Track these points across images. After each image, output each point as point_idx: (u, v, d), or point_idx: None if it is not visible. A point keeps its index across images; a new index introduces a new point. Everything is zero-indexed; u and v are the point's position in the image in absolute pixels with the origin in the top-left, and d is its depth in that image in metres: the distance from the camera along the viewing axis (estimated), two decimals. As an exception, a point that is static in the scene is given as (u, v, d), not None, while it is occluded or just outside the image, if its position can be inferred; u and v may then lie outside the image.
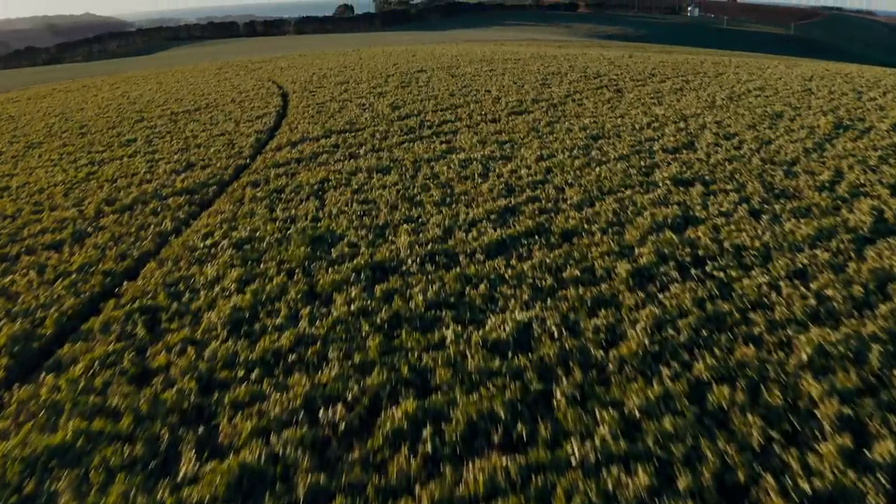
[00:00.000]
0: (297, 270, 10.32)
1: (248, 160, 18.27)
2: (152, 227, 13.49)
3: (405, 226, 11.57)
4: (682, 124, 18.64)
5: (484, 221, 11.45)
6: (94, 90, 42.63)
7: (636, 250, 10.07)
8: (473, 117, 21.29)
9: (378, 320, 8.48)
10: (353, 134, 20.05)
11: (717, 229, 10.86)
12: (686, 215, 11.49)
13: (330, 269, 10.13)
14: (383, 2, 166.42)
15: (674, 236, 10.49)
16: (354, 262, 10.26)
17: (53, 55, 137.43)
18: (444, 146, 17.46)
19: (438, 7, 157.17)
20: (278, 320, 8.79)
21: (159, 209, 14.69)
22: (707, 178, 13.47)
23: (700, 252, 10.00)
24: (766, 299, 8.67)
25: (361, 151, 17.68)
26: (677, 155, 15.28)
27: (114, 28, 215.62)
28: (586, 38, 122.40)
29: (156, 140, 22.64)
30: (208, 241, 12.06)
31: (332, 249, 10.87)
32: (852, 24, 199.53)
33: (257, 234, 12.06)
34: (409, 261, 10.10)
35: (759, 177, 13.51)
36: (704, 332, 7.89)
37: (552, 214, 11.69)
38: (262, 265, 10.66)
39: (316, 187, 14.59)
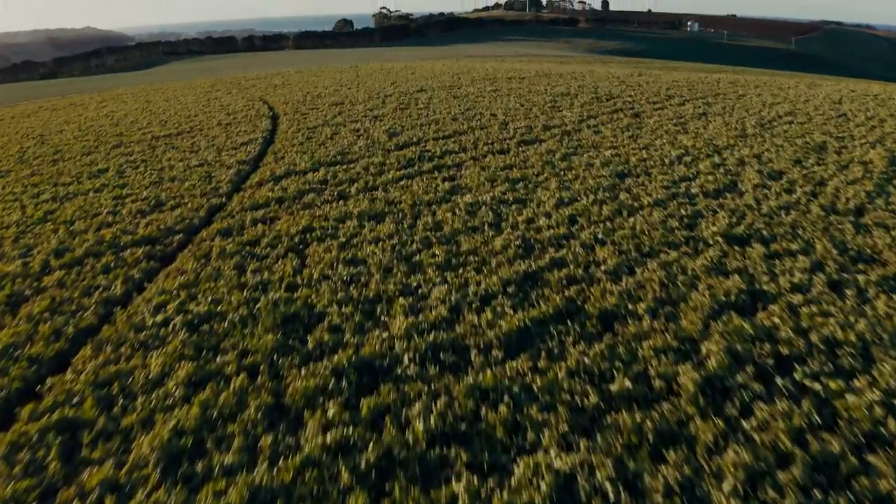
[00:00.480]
0: (262, 367, 7.97)
1: (224, 199, 15.93)
2: (100, 290, 11.14)
3: (402, 300, 9.22)
4: (716, 158, 16.35)
5: (500, 296, 9.10)
6: (80, 108, 40.43)
7: (701, 347, 7.72)
8: (479, 147, 19.00)
9: (363, 463, 6.12)
10: (344, 167, 17.75)
11: (795, 311, 8.52)
12: (752, 289, 9.16)
13: (304, 369, 7.77)
14: (382, 17, 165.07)
15: (744, 324, 8.14)
16: (336, 357, 7.89)
17: (51, 69, 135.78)
18: (447, 184, 15.14)
19: (438, 22, 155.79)
20: (229, 457, 6.41)
21: (112, 264, 12.33)
22: (765, 233, 11.14)
23: (783, 349, 7.65)
24: (882, 428, 6.36)
25: (352, 190, 15.36)
26: (721, 200, 12.97)
27: (114, 42, 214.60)
28: (587, 54, 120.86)
29: (128, 170, 20.33)
30: (159, 317, 9.70)
31: (309, 336, 8.50)
32: (852, 39, 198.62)
33: (219, 307, 9.70)
34: (406, 358, 7.74)
35: (826, 232, 11.20)
36: (818, 494, 5.54)
37: (584, 286, 9.35)
38: (219, 358, 8.30)
39: (297, 239, 12.25)
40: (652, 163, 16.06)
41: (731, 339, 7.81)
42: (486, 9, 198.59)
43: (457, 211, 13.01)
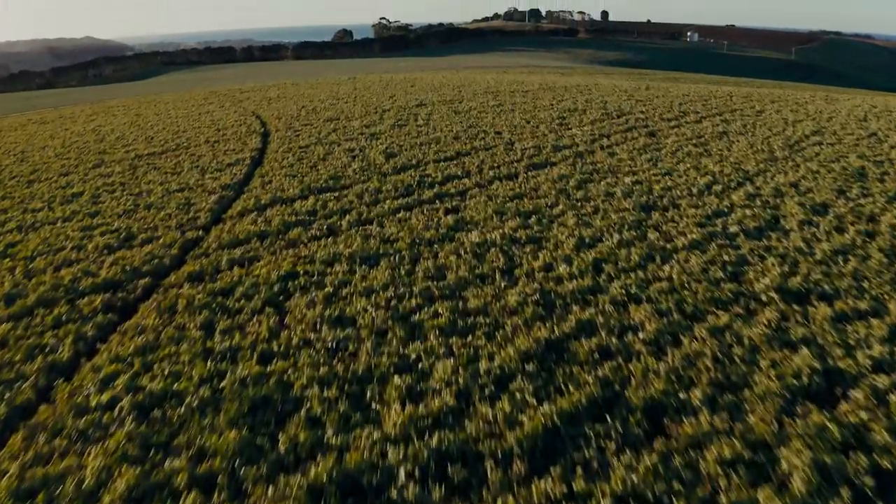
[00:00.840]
0: (220, 479, 6.23)
1: (201, 232, 14.21)
2: (45, 353, 9.41)
3: (397, 379, 7.49)
4: (749, 187, 14.67)
5: (518, 377, 7.36)
6: (69, 122, 38.80)
7: (779, 458, 5.98)
8: (484, 171, 17.31)
9: None
10: (336, 194, 16.04)
11: (883, 400, 6.81)
12: (825, 366, 7.44)
13: (272, 486, 6.03)
14: (382, 27, 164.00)
15: (826, 422, 6.41)
16: (313, 470, 6.15)
17: (48, 79, 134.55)
18: (450, 218, 13.42)
19: (437, 33, 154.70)
20: None
21: (65, 317, 10.59)
22: (825, 286, 9.42)
23: (882, 461, 5.93)
24: None
25: (344, 224, 13.65)
26: (766, 241, 11.25)
27: (113, 51, 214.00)
28: (588, 65, 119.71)
29: (104, 195, 18.62)
30: (106, 395, 7.95)
31: (282, 433, 6.75)
32: (851, 48, 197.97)
33: (177, 384, 7.96)
34: (402, 472, 5.99)
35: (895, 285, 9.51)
36: None
37: (621, 362, 7.62)
38: (168, 463, 6.56)
39: (276, 288, 10.52)
40: (678, 192, 14.37)
41: (816, 447, 6.07)
42: (486, 19, 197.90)
43: (462, 253, 11.29)
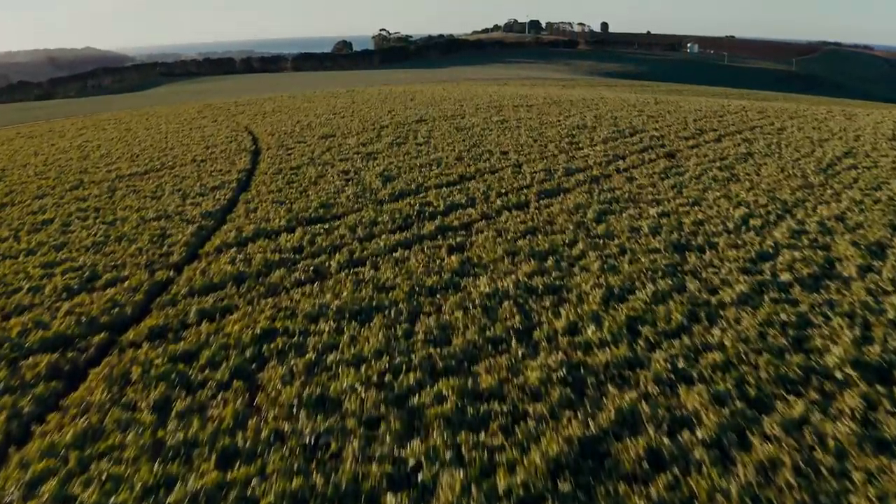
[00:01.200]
0: None
1: (172, 272, 12.51)
2: (-37, 437, 7.71)
3: (390, 500, 5.78)
4: (791, 221, 13.00)
5: (549, 501, 5.64)
6: (57, 137, 37.20)
7: None
8: (491, 199, 15.65)
9: None
10: (326, 226, 14.36)
11: None
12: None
13: None
14: (382, 39, 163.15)
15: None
16: None
17: (47, 90, 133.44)
18: (454, 258, 11.72)
19: (437, 44, 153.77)
20: None
21: (2, 386, 8.91)
22: (912, 360, 7.72)
23: None
24: None
25: (333, 264, 11.95)
26: (826, 294, 9.55)
27: (114, 62, 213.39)
28: (588, 76, 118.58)
29: (75, 224, 16.93)
30: (22, 509, 6.27)
31: (235, 589, 5.04)
32: (851, 60, 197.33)
33: (114, 499, 6.25)
34: None
35: None
36: None
37: (679, 476, 5.89)
38: None
39: (249, 353, 8.80)
40: (712, 227, 12.69)
41: None
42: (486, 31, 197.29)
43: (470, 307, 9.58)
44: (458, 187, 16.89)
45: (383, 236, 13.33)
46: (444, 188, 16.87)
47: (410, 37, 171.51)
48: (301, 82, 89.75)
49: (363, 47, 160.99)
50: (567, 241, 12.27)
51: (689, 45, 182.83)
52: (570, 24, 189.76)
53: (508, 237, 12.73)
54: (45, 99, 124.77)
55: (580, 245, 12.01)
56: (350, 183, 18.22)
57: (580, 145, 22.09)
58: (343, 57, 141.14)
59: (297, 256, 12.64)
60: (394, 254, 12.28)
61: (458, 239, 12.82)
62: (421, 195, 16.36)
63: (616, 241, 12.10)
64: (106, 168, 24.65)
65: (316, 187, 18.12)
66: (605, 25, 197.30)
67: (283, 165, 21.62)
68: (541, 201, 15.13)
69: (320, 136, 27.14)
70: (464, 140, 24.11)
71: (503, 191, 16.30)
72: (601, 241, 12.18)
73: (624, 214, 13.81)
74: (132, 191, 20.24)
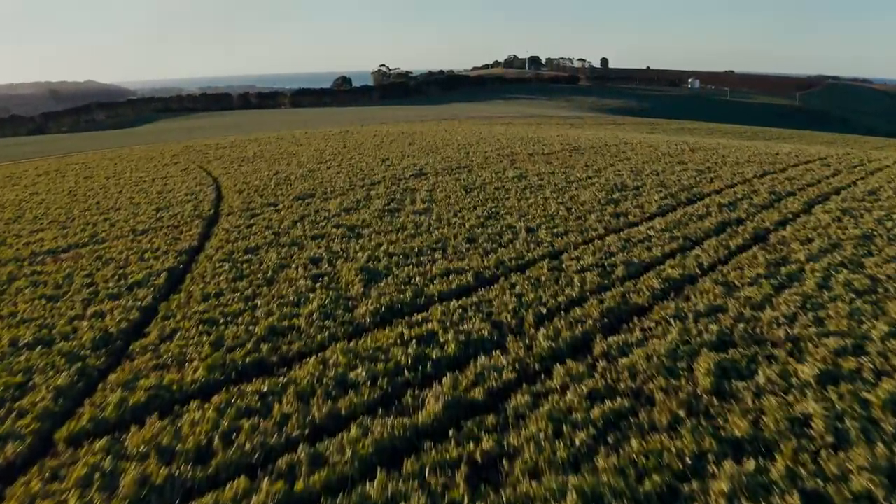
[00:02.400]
0: None
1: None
2: None
3: None
4: None
5: None
6: (9, 184, 31.82)
7: None
8: (527, 326, 9.95)
9: None
10: (264, 385, 8.69)
11: None
12: None
13: None
14: (381, 75, 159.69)
15: None
16: None
17: (39, 124, 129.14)
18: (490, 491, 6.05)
19: (437, 80, 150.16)
20: None
21: None
22: None
23: None
24: None
25: (264, 488, 6.29)
26: None
27: (115, 96, 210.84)
28: (592, 113, 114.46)
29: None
30: None
31: None
32: (852, 93, 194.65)
33: None
34: None
35: None
36: None
37: None
38: None
39: None
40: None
41: None
42: (486, 67, 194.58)
43: None
44: (475, 299, 11.19)
45: (354, 430, 7.55)
46: (454, 301, 11.17)
47: (410, 73, 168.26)
48: (296, 120, 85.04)
49: (363, 83, 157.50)
50: (683, 451, 6.54)
51: (689, 80, 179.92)
52: (569, 59, 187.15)
53: (574, 438, 6.99)
54: (37, 133, 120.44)
55: (711, 465, 6.27)
56: (319, 285, 12.53)
57: (630, 218, 16.51)
58: (342, 93, 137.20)
59: (197, 472, 6.90)
60: (371, 481, 6.53)
61: (487, 442, 7.06)
62: (418, 316, 10.66)
63: (782, 453, 6.36)
64: (27, 238, 19.17)
65: (270, 291, 12.43)
66: (604, 61, 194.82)
67: (237, 245, 15.99)
68: (608, 338, 9.43)
69: (296, 197, 21.61)
70: (474, 207, 18.56)
71: (544, 309, 10.60)
72: (736, 447, 6.44)
73: (762, 378, 8.09)
74: (31, 283, 14.58)
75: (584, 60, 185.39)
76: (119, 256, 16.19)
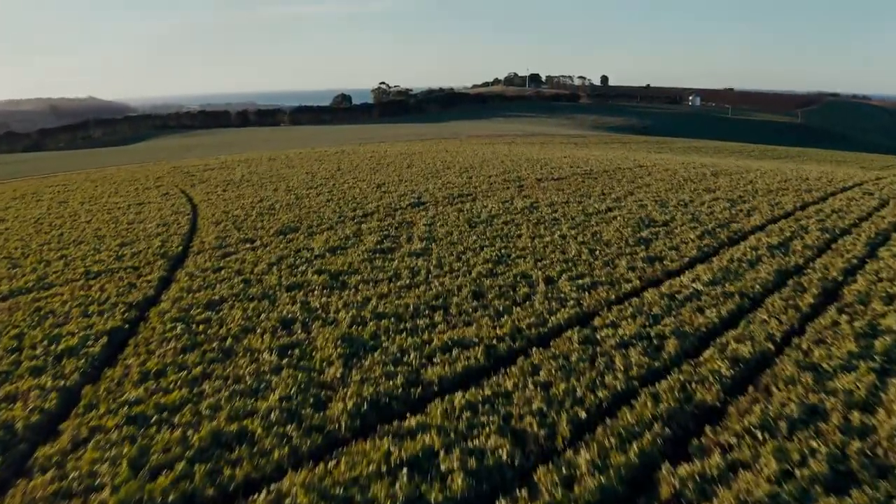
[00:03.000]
0: None
1: None
2: None
3: None
4: None
5: None
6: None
7: None
8: (565, 452, 7.28)
9: None
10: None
11: None
12: None
13: None
14: (381, 92, 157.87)
15: None
16: None
17: (35, 141, 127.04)
18: None
19: (438, 98, 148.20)
20: None
21: None
22: None
23: None
24: None
25: None
26: None
27: (116, 112, 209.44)
28: (595, 131, 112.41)
29: None
30: None
31: None
32: (852, 110, 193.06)
33: None
34: None
35: None
36: None
37: None
38: None
39: None
40: None
41: None
42: (486, 84, 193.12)
43: None
44: (487, 392, 8.42)
45: None
46: (459, 393, 8.41)
47: (410, 90, 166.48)
48: (293, 138, 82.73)
49: (363, 100, 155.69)
50: None
51: (690, 98, 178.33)
52: (570, 77, 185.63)
53: None
54: (33, 150, 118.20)
55: None
56: (287, 361, 9.77)
57: (667, 264, 13.78)
58: (342, 110, 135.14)
59: None
60: None
61: None
62: (412, 420, 7.90)
63: None
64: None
65: (224, 370, 9.67)
66: (604, 79, 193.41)
67: (198, 297, 13.25)
68: (677, 468, 6.65)
69: (278, 231, 18.92)
70: (481, 247, 15.85)
71: (582, 411, 7.84)
72: None
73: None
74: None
75: (584, 78, 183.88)
76: (61, 309, 13.47)
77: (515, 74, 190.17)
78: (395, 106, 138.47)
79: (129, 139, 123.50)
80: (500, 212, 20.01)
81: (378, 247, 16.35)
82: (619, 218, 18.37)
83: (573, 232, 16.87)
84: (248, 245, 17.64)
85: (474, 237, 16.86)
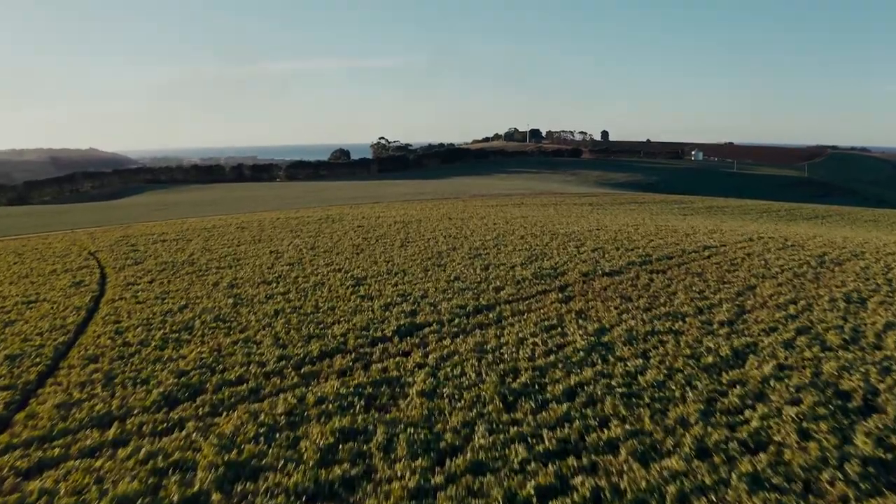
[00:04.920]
0: None
1: None
2: None
3: None
4: None
5: None
6: None
7: None
8: None
9: None
10: None
11: None
12: None
13: None
14: (381, 147, 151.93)
15: None
16: None
17: (20, 193, 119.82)
18: None
19: (438, 153, 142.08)
20: None
21: None
22: None
23: None
24: None
25: None
26: None
27: (116, 164, 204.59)
28: (602, 188, 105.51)
29: None
30: None
31: None
32: (855, 163, 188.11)
33: None
34: None
35: None
36: None
37: None
38: None
39: None
40: None
41: None
42: (486, 140, 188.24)
43: None
44: None
45: None
46: None
47: (410, 145, 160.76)
48: (282, 196, 75.14)
49: (362, 155, 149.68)
50: None
51: (693, 152, 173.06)
52: (570, 132, 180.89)
53: None
54: (17, 203, 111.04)
55: None
56: None
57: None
58: (340, 165, 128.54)
59: None
60: None
61: None
62: None
63: None
64: None
65: None
66: (605, 134, 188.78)
67: None
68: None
69: (158, 401, 10.45)
70: (531, 467, 7.44)
71: None
72: None
73: None
74: None
75: (584, 133, 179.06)
76: None
77: (516, 130, 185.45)
78: (394, 161, 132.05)
79: (117, 193, 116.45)
80: (550, 356, 11.55)
81: (331, 465, 7.83)
82: (776, 387, 9.86)
83: (716, 434, 8.37)
84: (93, 435, 9.13)
85: (513, 429, 8.38)
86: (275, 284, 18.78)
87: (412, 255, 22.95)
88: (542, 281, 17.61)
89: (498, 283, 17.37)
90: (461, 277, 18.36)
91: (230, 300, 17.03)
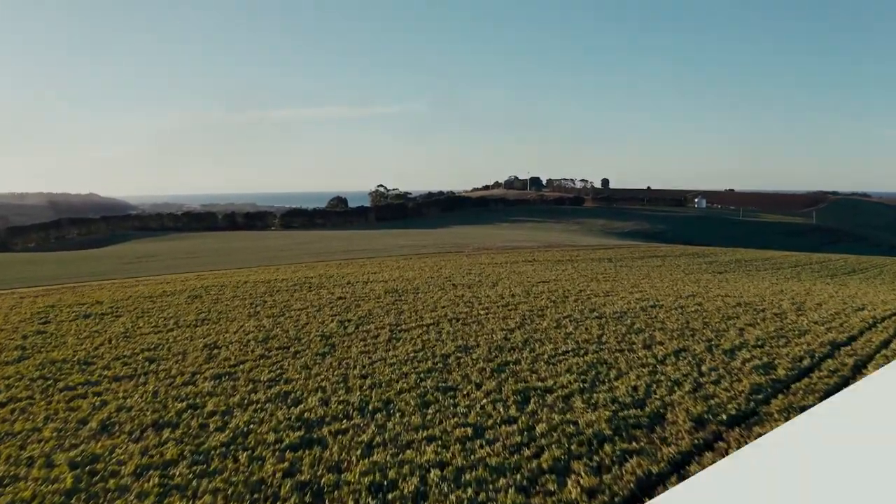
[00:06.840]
0: None
1: None
2: None
3: None
4: None
5: None
6: None
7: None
8: None
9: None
10: None
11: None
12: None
13: None
14: (379, 195, 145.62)
15: None
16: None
17: (3, 238, 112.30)
18: None
19: (437, 201, 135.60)
20: None
21: None
22: None
23: None
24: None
25: None
26: None
27: (116, 210, 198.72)
28: (609, 238, 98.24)
29: None
30: None
31: None
32: (858, 208, 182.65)
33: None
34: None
35: None
36: None
37: None
38: None
39: None
40: None
41: None
42: (486, 187, 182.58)
43: None
44: None
45: None
46: None
47: (409, 193, 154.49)
48: (267, 248, 67.43)
49: (361, 203, 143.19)
50: None
51: (696, 199, 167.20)
52: (571, 180, 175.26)
53: None
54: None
55: None
56: None
57: None
58: (335, 214, 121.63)
59: None
60: None
61: None
62: None
63: None
64: None
65: None
66: (605, 181, 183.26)
67: None
68: None
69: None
70: None
71: None
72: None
73: None
74: None
75: (586, 181, 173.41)
76: None
77: (516, 178, 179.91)
78: (392, 210, 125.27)
79: (103, 241, 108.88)
80: None
81: None
82: None
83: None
84: None
85: None
86: (166, 432, 10.76)
87: (403, 360, 14.96)
88: (632, 441, 9.59)
89: (556, 449, 9.32)
90: (485, 426, 10.34)
91: (71, 477, 8.96)
